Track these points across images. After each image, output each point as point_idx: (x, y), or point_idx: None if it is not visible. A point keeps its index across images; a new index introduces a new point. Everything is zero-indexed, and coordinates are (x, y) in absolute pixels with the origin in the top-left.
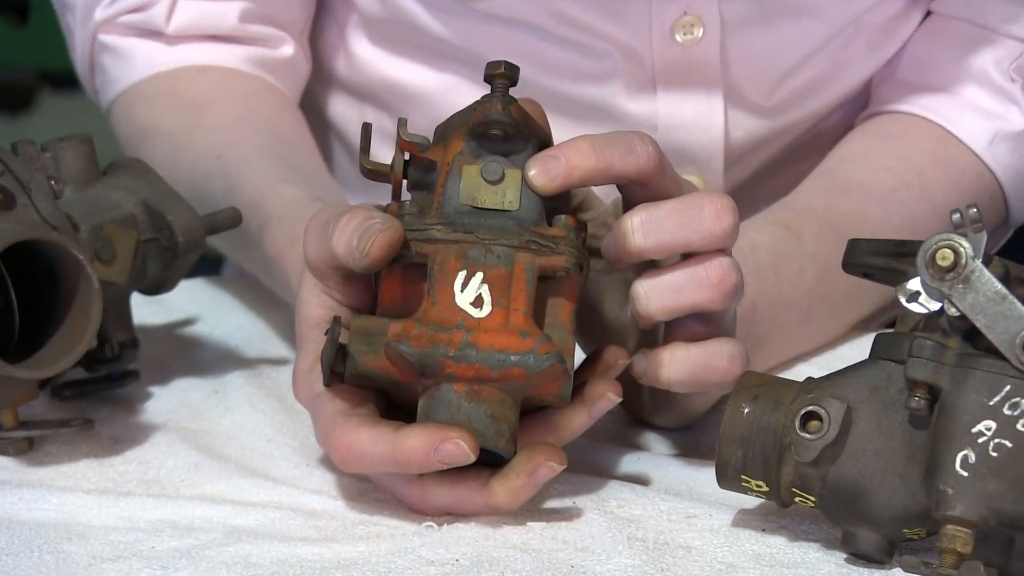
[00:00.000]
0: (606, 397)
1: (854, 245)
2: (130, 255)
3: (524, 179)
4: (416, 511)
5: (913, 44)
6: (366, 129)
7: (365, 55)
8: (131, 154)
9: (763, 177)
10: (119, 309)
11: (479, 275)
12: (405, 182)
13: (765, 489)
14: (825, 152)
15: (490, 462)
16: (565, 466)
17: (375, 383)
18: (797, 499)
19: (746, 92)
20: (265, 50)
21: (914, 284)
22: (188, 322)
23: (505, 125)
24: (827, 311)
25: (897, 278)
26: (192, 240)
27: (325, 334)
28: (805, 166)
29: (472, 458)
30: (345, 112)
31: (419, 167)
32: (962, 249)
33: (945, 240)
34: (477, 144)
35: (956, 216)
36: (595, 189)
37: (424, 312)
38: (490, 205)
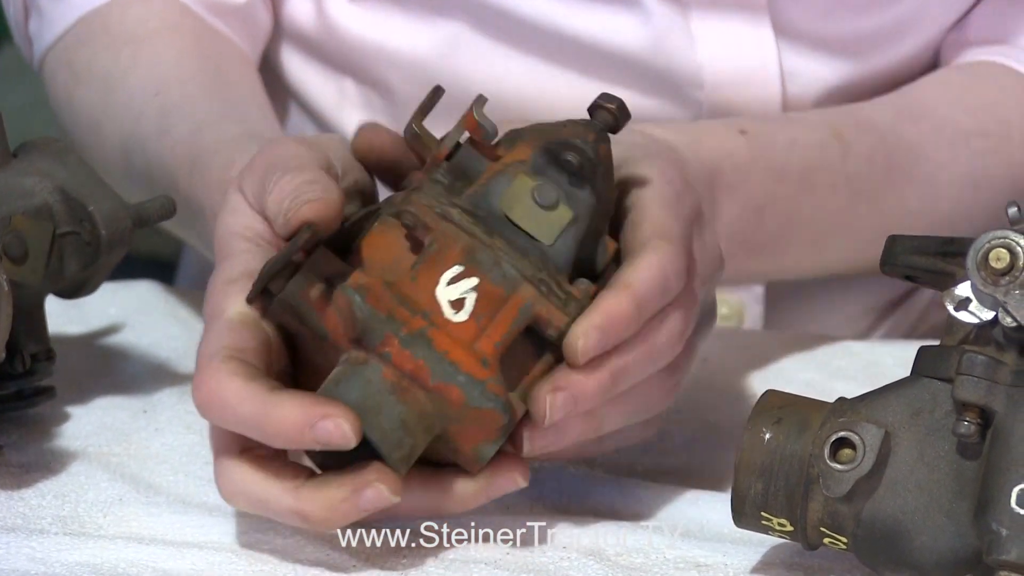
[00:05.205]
0: (511, 478)
1: (893, 242)
2: (45, 251)
3: (570, 223)
4: (225, 496)
5: (984, 6)
6: (437, 92)
7: (340, 15)
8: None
9: None
10: (32, 315)
11: (474, 280)
12: (445, 164)
13: (789, 528)
14: None
15: None
16: (398, 499)
17: (300, 323)
18: (827, 540)
19: (800, 23)
20: None
21: (963, 289)
22: (112, 330)
23: (585, 157)
24: (845, 245)
25: (944, 282)
26: (117, 234)
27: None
28: None
29: (351, 443)
30: (316, 84)
31: (470, 155)
32: (1020, 249)
33: (1000, 238)
34: (544, 162)
35: (1013, 210)
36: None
37: (398, 280)
38: (524, 226)
